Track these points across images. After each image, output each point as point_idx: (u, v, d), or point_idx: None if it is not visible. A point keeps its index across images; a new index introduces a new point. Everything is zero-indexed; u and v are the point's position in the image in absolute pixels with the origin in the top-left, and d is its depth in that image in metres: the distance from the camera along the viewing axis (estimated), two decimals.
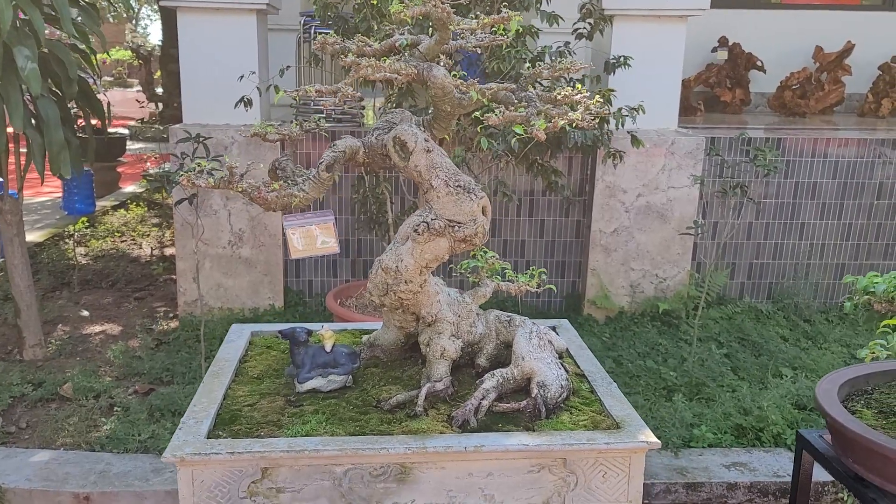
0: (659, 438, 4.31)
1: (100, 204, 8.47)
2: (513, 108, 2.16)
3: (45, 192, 9.20)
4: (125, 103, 10.96)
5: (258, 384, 2.60)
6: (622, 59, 5.18)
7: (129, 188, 9.40)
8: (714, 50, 7.47)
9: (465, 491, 2.26)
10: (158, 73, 10.89)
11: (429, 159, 2.34)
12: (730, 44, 7.42)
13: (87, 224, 7.73)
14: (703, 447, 4.38)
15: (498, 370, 2.43)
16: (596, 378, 2.63)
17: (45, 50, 4.74)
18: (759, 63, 7.44)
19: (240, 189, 2.28)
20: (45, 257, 6.95)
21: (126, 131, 9.68)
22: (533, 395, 2.37)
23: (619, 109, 4.37)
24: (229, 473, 2.19)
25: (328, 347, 2.57)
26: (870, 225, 6.08)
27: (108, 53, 6.23)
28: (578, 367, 2.72)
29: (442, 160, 2.36)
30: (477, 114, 2.25)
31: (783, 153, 5.95)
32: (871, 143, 5.95)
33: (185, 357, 5.17)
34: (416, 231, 2.33)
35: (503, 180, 4.70)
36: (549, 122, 2.11)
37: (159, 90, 10.36)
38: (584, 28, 5.24)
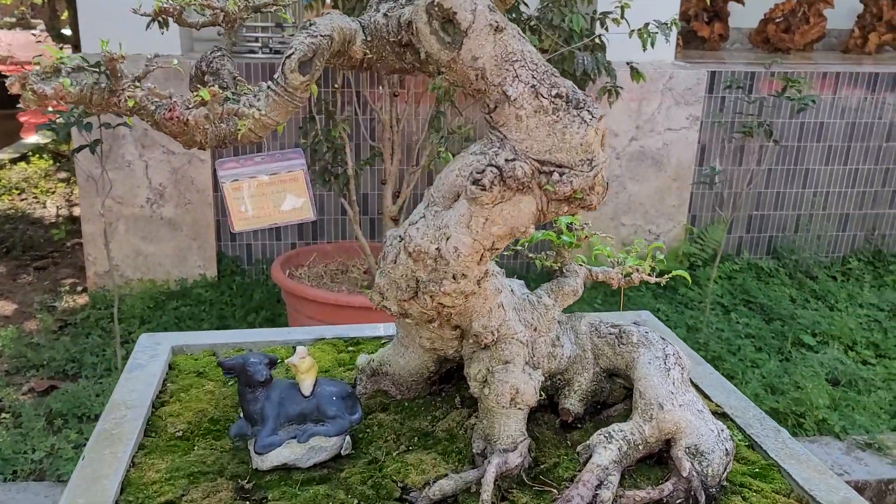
0: None
1: None
2: None
3: None
4: (28, 47, 9.26)
5: (183, 454, 1.40)
6: None
7: (32, 139, 7.78)
8: None
9: None
10: (66, 14, 9.13)
11: (500, 45, 1.16)
12: None
13: None
14: None
15: (616, 428, 1.29)
16: (749, 420, 1.53)
17: None
18: None
19: (131, 102, 1.06)
20: None
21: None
22: (685, 473, 1.26)
23: (646, 25, 3.22)
24: None
25: (307, 389, 1.39)
26: (877, 170, 5.14)
27: None
28: (708, 398, 1.62)
29: (522, 47, 1.18)
30: None
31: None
32: (884, 80, 4.98)
33: (96, 342, 3.91)
34: (477, 183, 1.16)
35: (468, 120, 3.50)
36: None
37: (66, 31, 8.69)
38: None
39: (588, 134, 1.15)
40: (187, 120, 1.05)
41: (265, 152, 1.54)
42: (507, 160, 1.16)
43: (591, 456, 1.27)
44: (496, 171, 1.15)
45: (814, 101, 3.79)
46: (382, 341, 1.79)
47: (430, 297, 1.25)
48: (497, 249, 1.24)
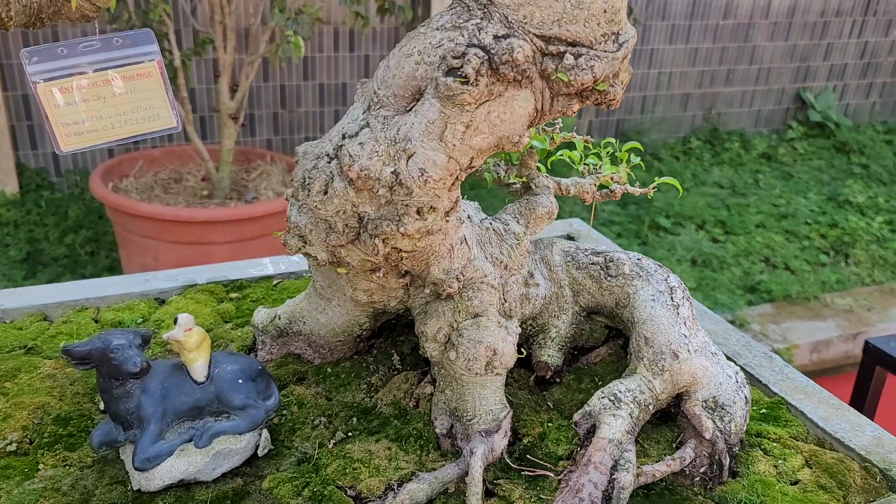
0: None
1: None
2: None
3: None
4: None
5: (22, 479, 0.96)
6: None
7: None
8: None
9: None
10: None
11: None
12: None
13: None
14: None
15: (622, 388, 0.99)
16: (735, 347, 1.29)
17: None
18: None
19: None
20: None
21: None
22: (708, 435, 0.99)
23: None
24: None
25: (200, 373, 0.98)
26: (714, 49, 5.12)
27: None
28: None
29: None
30: None
31: None
32: None
33: None
34: (454, 73, 0.77)
35: None
36: None
37: None
38: None
39: None
40: None
41: (95, 36, 1.05)
42: (496, 37, 0.77)
43: (594, 427, 0.97)
44: (482, 55, 0.77)
45: None
46: (275, 283, 1.38)
47: (383, 240, 0.86)
48: (473, 168, 0.87)
